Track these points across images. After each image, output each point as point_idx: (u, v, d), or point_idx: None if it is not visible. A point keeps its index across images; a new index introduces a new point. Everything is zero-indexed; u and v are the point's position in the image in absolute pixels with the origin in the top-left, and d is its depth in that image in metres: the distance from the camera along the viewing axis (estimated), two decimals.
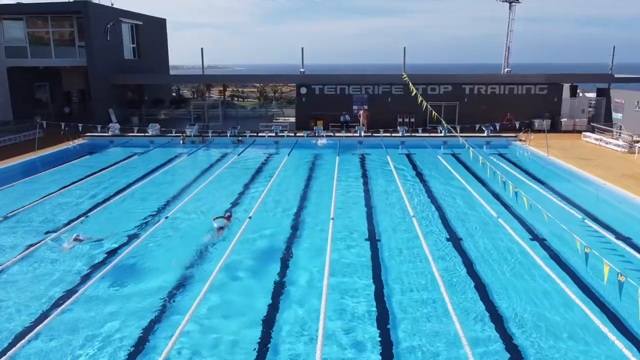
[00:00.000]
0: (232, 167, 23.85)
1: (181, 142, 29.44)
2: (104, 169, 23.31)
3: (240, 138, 29.50)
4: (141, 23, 38.59)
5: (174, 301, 10.86)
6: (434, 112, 24.69)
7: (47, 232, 14.87)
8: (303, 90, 33.43)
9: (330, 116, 33.37)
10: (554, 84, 33.49)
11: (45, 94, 37.38)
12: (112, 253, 13.34)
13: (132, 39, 38.14)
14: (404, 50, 34.24)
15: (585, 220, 15.58)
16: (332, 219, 15.87)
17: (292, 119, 35.19)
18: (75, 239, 13.40)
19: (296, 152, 27.06)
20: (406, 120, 33.03)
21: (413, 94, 24.06)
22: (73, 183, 20.55)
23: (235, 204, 18.03)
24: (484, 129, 30.06)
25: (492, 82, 33.22)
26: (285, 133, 30.26)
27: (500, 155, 26.65)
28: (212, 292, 11.06)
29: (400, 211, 16.93)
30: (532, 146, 27.47)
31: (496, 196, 18.69)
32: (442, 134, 29.79)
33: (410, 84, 24.77)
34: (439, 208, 17.36)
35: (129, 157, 26.44)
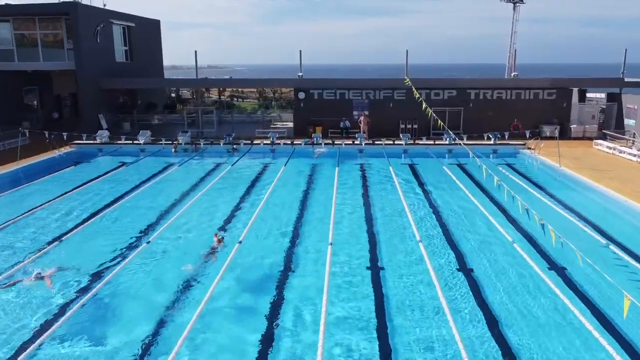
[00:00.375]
0: (224, 180, 22.27)
1: (173, 150, 27.88)
2: (88, 182, 21.72)
3: (234, 146, 27.93)
4: (134, 25, 37.01)
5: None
6: (438, 120, 23.15)
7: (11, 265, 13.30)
8: (301, 95, 31.86)
9: (330, 122, 31.82)
10: (563, 88, 31.89)
11: (35, 99, 35.81)
12: (82, 290, 11.77)
13: (124, 41, 36.57)
14: (406, 53, 32.70)
15: (610, 246, 14.02)
16: (331, 244, 14.31)
17: (290, 124, 33.65)
18: (37, 277, 11.77)
19: (293, 163, 25.50)
20: (409, 126, 31.46)
21: (418, 99, 22.70)
22: (50, 201, 18.79)
23: (225, 224, 16.48)
24: (490, 136, 28.48)
25: (498, 87, 31.62)
26: (282, 142, 28.63)
27: (509, 165, 25.13)
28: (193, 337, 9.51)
29: (405, 235, 15.37)
30: (541, 155, 25.88)
31: (507, 214, 17.14)
32: (447, 142, 28.20)
33: (414, 89, 23.26)
34: (446, 230, 15.81)
35: (117, 167, 24.91)
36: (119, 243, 14.64)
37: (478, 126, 31.25)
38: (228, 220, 16.83)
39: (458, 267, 12.99)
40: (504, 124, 31.39)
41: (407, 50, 31.99)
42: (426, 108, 23.45)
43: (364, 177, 23.14)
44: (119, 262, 13.16)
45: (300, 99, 31.93)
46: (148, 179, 22.30)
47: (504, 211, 17.52)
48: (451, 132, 24.26)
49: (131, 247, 14.40)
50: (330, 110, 31.83)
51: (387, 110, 31.71)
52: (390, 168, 24.02)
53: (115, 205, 18.30)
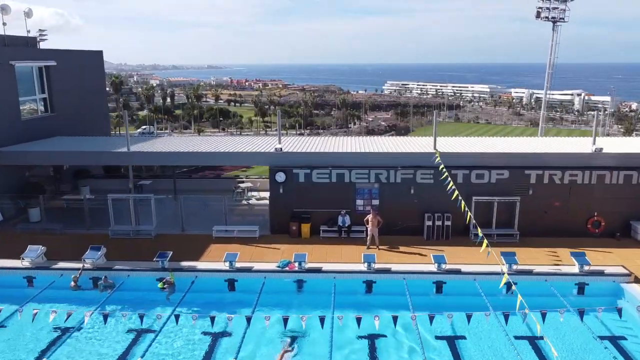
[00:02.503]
0: None
1: (72, 283, 17.05)
2: None
3: (166, 286, 17.00)
4: (54, 63, 26.03)
5: None
6: (469, 214, 12.78)
7: None
8: (280, 177, 20.94)
9: (322, 216, 21.04)
10: None
11: None
12: None
13: (40, 87, 25.63)
14: (435, 116, 21.61)
15: None
16: None
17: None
18: None
19: (259, 315, 14.50)
20: (438, 223, 20.60)
21: (448, 185, 12.80)
22: None
23: None
24: (572, 258, 17.59)
25: (572, 166, 20.63)
26: (250, 262, 17.65)
27: (612, 339, 14.29)
28: None
29: None
30: None
31: None
32: (505, 268, 17.28)
33: (445, 172, 13.13)
34: None
35: None
36: None
37: (541, 225, 20.52)
38: None
39: None
40: (579, 220, 20.63)
41: (435, 112, 20.90)
42: (457, 196, 16.19)
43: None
44: None
45: (278, 183, 21.03)
46: None
47: None
48: (490, 249, 13.42)
49: None
50: (322, 198, 21.00)
51: (407, 198, 20.86)
52: (418, 331, 13.31)
53: None
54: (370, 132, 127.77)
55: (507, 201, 20.51)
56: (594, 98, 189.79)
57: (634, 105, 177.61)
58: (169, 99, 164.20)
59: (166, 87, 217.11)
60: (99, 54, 30.84)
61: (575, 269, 17.24)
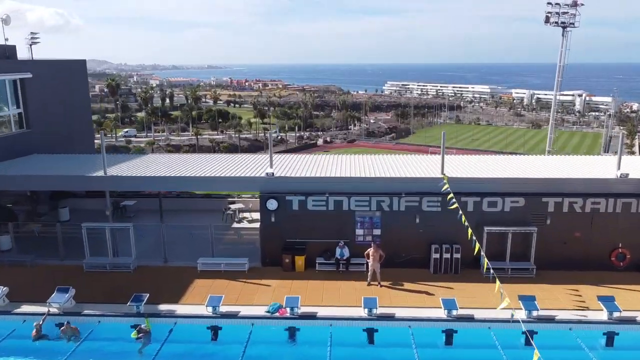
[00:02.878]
0: None
1: (34, 332, 14.97)
2: None
3: (140, 335, 14.92)
4: (30, 75, 23.94)
5: None
6: (477, 244, 10.76)
7: None
8: (271, 204, 18.85)
9: (318, 247, 18.97)
10: None
11: None
12: None
13: (15, 101, 23.57)
14: (443, 136, 19.41)
15: None
16: None
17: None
18: None
19: None
20: (446, 255, 18.53)
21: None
22: None
23: None
24: (600, 303, 15.52)
25: (595, 193, 18.53)
26: (224, 308, 15.54)
27: None
28: None
29: None
30: None
31: None
32: (523, 313, 15.21)
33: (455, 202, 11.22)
34: None
35: None
36: None
37: (560, 257, 18.47)
38: None
39: None
40: (602, 252, 18.57)
41: (443, 133, 18.79)
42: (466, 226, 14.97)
43: None
44: None
45: (270, 210, 18.93)
46: None
47: None
48: (505, 296, 11.42)
49: None
50: (318, 228, 18.92)
51: (412, 227, 18.78)
52: None
53: None
54: (370, 134, 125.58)
55: (522, 232, 18.42)
56: (594, 99, 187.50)
57: (635, 106, 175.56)
58: (168, 100, 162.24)
59: (166, 87, 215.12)
60: (82, 63, 28.75)
61: (604, 316, 15.16)
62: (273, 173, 18.86)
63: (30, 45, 52.92)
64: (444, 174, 18.56)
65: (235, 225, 23.98)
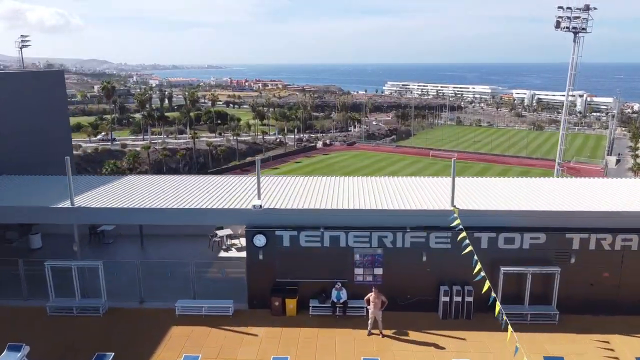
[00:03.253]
0: None
1: None
2: None
3: None
4: None
5: None
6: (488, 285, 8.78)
7: None
8: (259, 240, 16.54)
9: (312, 288, 16.69)
10: None
11: None
12: None
13: None
14: (453, 164, 17.06)
15: None
16: None
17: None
18: None
19: None
20: (457, 298, 16.23)
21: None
22: None
23: None
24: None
25: (626, 228, 16.22)
26: None
27: None
28: None
29: None
30: None
31: None
32: None
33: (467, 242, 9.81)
34: None
35: None
36: None
37: (584, 299, 16.23)
38: None
39: None
40: (634, 295, 16.33)
41: (453, 160, 16.48)
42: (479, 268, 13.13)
43: None
44: None
45: (257, 247, 16.63)
46: None
47: None
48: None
49: None
50: (312, 267, 16.63)
51: (418, 267, 16.49)
52: None
53: None
54: (370, 136, 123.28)
55: (543, 272, 16.12)
56: (595, 99, 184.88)
57: (636, 107, 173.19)
58: (167, 101, 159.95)
59: (166, 87, 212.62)
60: (59, 74, 26.46)
61: None
62: (261, 205, 16.55)
63: (21, 48, 50.22)
64: (454, 206, 16.30)
65: (222, 254, 21.68)
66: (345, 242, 16.49)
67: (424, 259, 16.44)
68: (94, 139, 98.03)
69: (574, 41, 36.43)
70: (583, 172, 77.96)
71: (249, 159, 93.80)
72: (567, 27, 35.91)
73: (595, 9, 36.36)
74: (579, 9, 36.20)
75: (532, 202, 17.40)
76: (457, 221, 14.82)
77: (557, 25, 36.20)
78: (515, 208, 16.75)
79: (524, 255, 16.26)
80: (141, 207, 17.13)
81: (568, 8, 36.55)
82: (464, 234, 14.40)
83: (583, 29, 36.09)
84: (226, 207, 16.96)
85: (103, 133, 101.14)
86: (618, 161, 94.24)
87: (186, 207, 17.01)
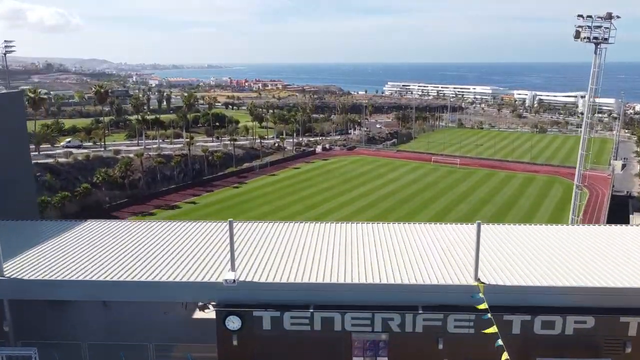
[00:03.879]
0: None
1: None
2: None
3: None
4: None
5: None
6: None
7: None
8: (232, 323, 13.01)
9: None
10: None
11: None
12: None
13: None
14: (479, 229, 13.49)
15: None
16: None
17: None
18: None
19: None
20: None
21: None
22: None
23: None
24: None
25: None
26: None
27: None
28: None
29: None
30: None
31: None
32: None
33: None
34: None
35: None
36: None
37: None
38: None
39: None
40: None
41: (478, 223, 12.96)
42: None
43: None
44: None
45: (230, 331, 13.09)
46: None
47: None
48: None
49: None
50: (299, 355, 13.09)
51: (433, 356, 12.96)
52: None
53: None
54: (371, 139, 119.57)
55: None
56: (597, 100, 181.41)
57: (638, 107, 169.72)
58: (165, 102, 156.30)
59: (165, 87, 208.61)
60: (18, 96, 22.88)
61: None
62: (235, 280, 12.99)
63: (5, 54, 46.78)
64: (479, 280, 12.78)
65: (196, 314, 18.14)
66: (341, 326, 12.96)
67: (440, 346, 12.92)
68: (58, 145, 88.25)
69: (595, 53, 32.90)
70: (590, 178, 74.38)
71: (246, 164, 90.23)
72: (588, 38, 32.44)
73: (618, 17, 32.89)
74: (601, 18, 32.74)
75: (574, 270, 13.83)
76: (484, 304, 11.38)
77: (577, 35, 32.67)
78: (557, 283, 13.19)
79: (566, 342, 12.74)
80: (86, 279, 13.57)
81: (589, 17, 33.03)
82: (489, 315, 11.04)
83: (605, 39, 32.57)
84: (191, 278, 13.39)
85: (68, 140, 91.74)
86: (624, 166, 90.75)
87: (140, 279, 13.44)
